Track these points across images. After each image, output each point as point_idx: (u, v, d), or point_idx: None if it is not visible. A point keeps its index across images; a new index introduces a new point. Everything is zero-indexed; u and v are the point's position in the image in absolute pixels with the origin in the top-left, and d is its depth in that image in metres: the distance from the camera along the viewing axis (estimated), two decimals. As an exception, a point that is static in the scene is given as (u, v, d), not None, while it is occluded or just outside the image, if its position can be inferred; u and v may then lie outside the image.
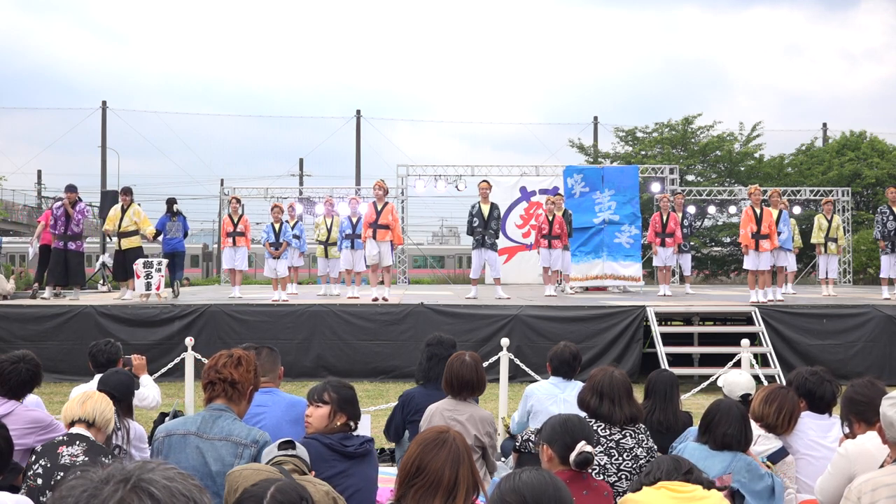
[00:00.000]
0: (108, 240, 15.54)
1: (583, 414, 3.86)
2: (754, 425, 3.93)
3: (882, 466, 2.94)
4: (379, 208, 11.00)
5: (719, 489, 2.96)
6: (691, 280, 15.37)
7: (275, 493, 2.24)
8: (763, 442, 3.88)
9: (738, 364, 7.47)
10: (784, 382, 4.75)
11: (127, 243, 11.74)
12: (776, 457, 3.84)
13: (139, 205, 12.29)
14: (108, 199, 12.79)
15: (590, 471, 3.49)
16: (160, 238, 12.61)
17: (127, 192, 12.09)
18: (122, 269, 11.88)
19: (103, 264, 16.11)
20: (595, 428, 3.72)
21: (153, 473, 1.13)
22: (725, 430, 3.47)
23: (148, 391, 5.34)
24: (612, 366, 4.16)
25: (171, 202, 12.98)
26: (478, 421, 4.22)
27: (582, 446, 3.03)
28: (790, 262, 13.76)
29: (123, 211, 11.78)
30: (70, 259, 11.50)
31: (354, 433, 3.47)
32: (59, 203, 11.74)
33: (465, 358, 4.29)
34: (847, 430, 3.55)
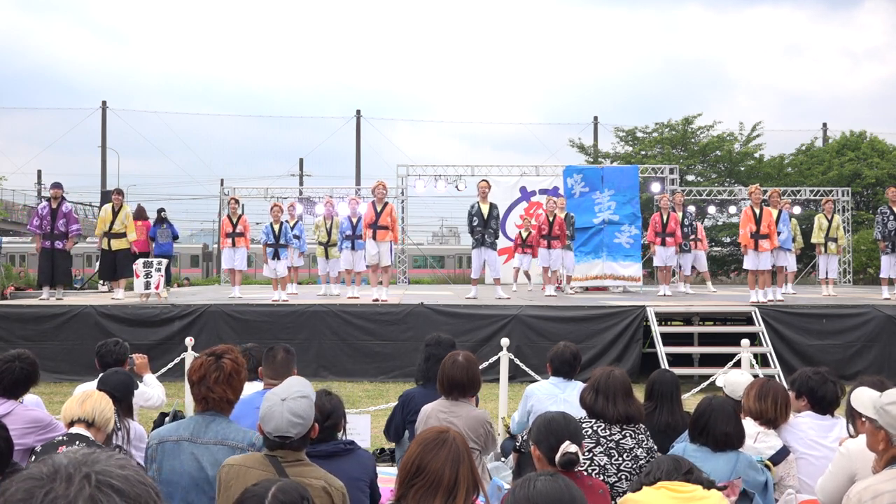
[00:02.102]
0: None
1: (582, 413, 3.86)
2: (752, 422, 3.94)
3: (875, 471, 2.90)
4: (378, 209, 11.01)
5: (727, 494, 2.95)
6: (691, 280, 15.37)
7: (276, 493, 2.24)
8: (763, 439, 3.87)
9: (738, 364, 7.47)
10: (785, 383, 4.75)
11: (117, 244, 11.81)
12: (778, 457, 3.83)
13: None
14: (109, 199, 12.89)
15: (588, 470, 3.48)
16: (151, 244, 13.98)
17: (119, 193, 12.27)
18: (111, 269, 11.99)
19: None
20: (595, 428, 3.72)
21: (105, 464, 1.08)
22: (725, 428, 3.47)
23: (152, 391, 5.32)
24: (614, 366, 4.16)
25: (159, 212, 14.41)
26: (473, 421, 4.20)
27: (566, 447, 3.00)
28: (790, 262, 13.75)
29: (115, 212, 11.83)
30: (56, 257, 11.50)
31: (344, 436, 3.47)
32: (43, 204, 11.82)
33: (459, 358, 4.25)
34: (850, 426, 3.55)
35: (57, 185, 11.70)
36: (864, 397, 3.10)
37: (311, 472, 2.76)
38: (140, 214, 14.14)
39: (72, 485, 1.03)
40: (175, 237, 14.67)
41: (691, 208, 16.58)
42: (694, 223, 14.55)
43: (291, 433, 2.75)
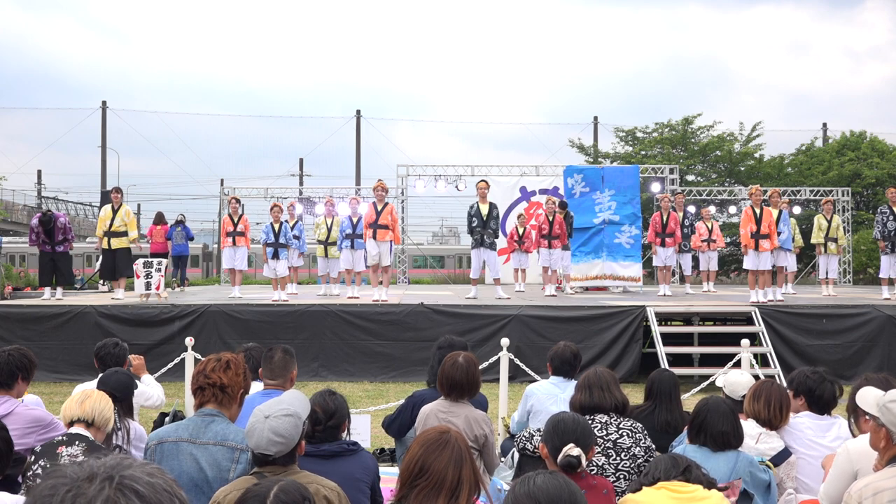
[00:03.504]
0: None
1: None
2: (754, 423, 3.94)
3: (876, 469, 2.92)
4: (379, 208, 11.01)
5: (727, 494, 2.94)
6: (691, 280, 15.37)
7: (278, 493, 2.24)
8: (765, 440, 3.87)
9: (738, 364, 7.47)
10: (785, 383, 4.75)
11: (116, 243, 11.79)
12: (779, 458, 3.83)
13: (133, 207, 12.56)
14: (109, 199, 12.95)
15: (589, 469, 3.48)
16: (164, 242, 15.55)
17: (118, 191, 12.26)
18: (111, 269, 12.00)
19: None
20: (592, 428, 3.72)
21: (134, 470, 1.13)
22: (722, 427, 3.45)
23: (151, 390, 5.33)
24: (602, 367, 4.21)
25: (178, 217, 16.26)
26: (472, 421, 4.20)
27: (568, 449, 2.99)
28: (790, 262, 13.76)
29: (115, 211, 11.83)
30: (58, 259, 11.63)
31: (348, 437, 3.48)
32: (35, 221, 11.87)
33: (459, 359, 4.25)
34: (854, 425, 3.55)
35: (44, 217, 11.71)
36: (868, 395, 3.11)
37: (302, 479, 2.75)
38: (159, 220, 16.06)
39: (93, 484, 1.08)
40: (190, 238, 16.25)
41: (691, 208, 16.59)
42: (694, 224, 14.56)
43: (271, 451, 2.74)
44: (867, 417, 3.10)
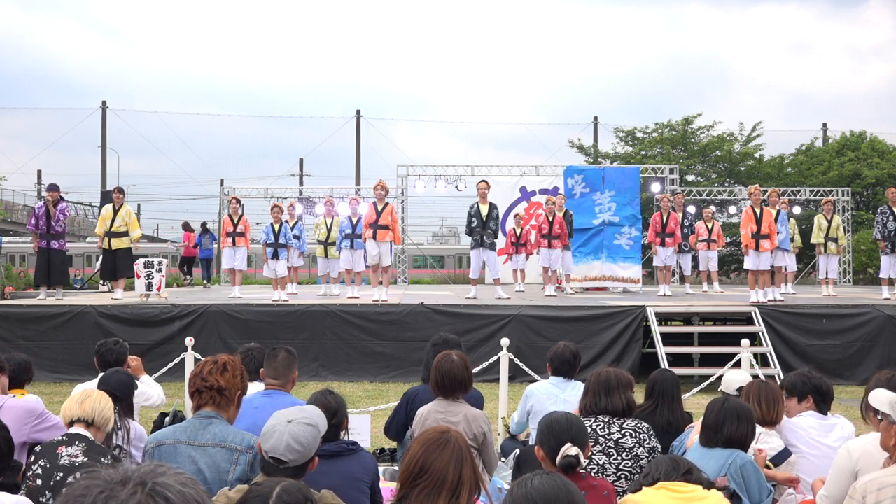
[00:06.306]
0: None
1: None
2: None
3: (883, 467, 2.95)
4: (379, 209, 11.01)
5: (719, 488, 2.95)
6: (691, 280, 15.37)
7: (280, 493, 2.24)
8: (765, 440, 3.87)
9: (738, 364, 7.47)
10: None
11: (117, 243, 11.76)
12: (779, 459, 3.83)
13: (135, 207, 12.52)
14: (109, 199, 12.94)
15: (589, 470, 3.48)
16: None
17: (120, 191, 12.23)
18: (112, 269, 11.96)
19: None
20: (594, 427, 3.71)
21: (167, 478, 1.16)
22: (740, 434, 3.43)
23: (151, 390, 5.33)
24: (611, 366, 4.21)
25: (202, 224, 18.25)
26: (471, 420, 4.20)
27: (566, 449, 2.98)
28: (789, 262, 13.76)
29: (115, 211, 11.81)
30: (53, 258, 11.50)
31: (347, 437, 3.49)
32: (40, 203, 11.83)
33: (453, 357, 4.25)
34: (867, 420, 3.56)
35: (53, 188, 11.69)
36: (881, 394, 3.14)
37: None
38: (186, 227, 18.03)
39: (126, 488, 1.12)
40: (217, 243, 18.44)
41: (691, 208, 16.59)
42: (694, 224, 14.55)
43: (287, 458, 2.65)
44: (878, 417, 3.12)
